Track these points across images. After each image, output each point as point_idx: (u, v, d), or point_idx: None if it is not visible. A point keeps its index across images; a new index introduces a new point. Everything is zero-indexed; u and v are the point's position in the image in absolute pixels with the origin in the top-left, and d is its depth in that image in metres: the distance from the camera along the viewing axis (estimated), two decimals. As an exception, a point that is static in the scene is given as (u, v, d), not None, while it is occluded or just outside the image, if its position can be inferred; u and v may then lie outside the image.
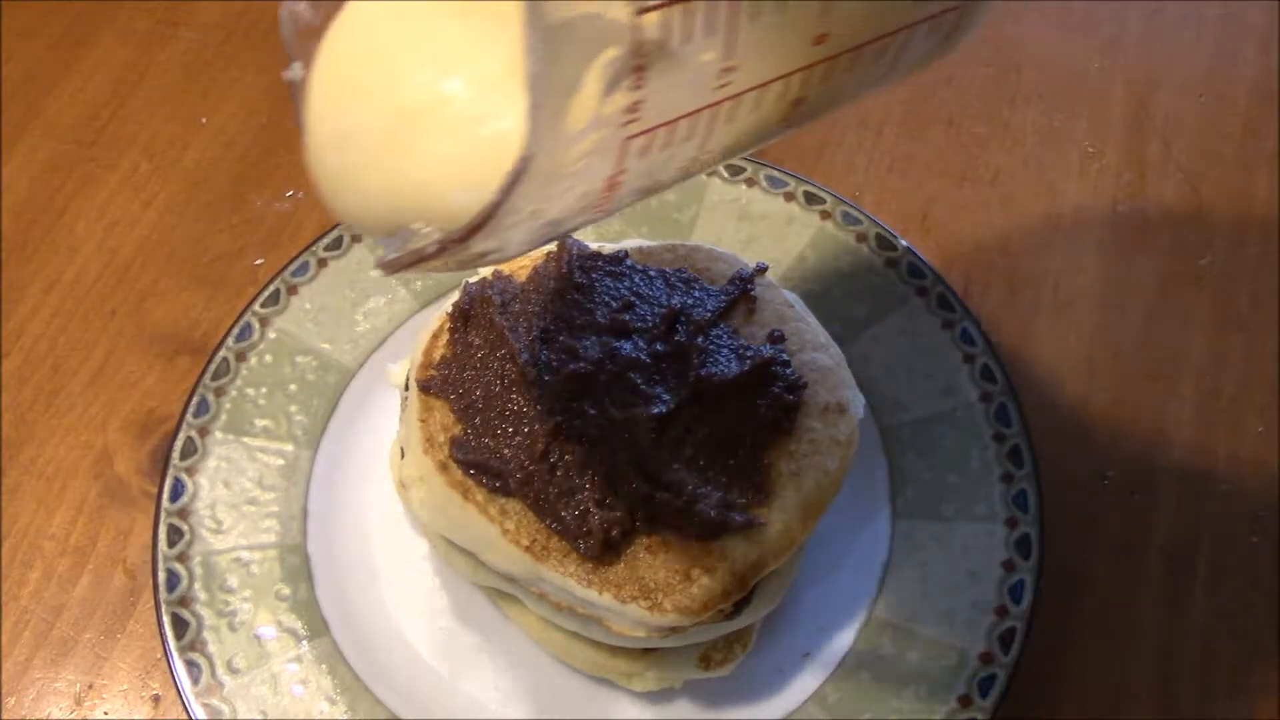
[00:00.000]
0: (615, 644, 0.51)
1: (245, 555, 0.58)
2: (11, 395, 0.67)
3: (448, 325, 0.53)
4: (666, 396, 0.48)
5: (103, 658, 0.59)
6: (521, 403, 0.49)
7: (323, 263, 0.66)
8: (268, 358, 0.63)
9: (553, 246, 0.54)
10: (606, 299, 0.52)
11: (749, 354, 0.50)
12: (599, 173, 0.29)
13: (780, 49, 0.30)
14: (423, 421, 0.51)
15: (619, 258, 0.54)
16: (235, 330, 0.63)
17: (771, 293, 0.55)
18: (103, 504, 0.64)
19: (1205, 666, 0.58)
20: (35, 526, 0.63)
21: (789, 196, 0.68)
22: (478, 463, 0.48)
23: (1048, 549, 0.56)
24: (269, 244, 0.73)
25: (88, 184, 0.76)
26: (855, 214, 0.67)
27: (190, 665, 0.54)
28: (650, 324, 0.51)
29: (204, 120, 0.79)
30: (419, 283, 0.66)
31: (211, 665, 0.54)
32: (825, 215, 0.67)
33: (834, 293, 0.65)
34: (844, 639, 0.56)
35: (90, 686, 0.58)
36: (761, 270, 0.55)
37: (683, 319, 0.51)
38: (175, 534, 0.57)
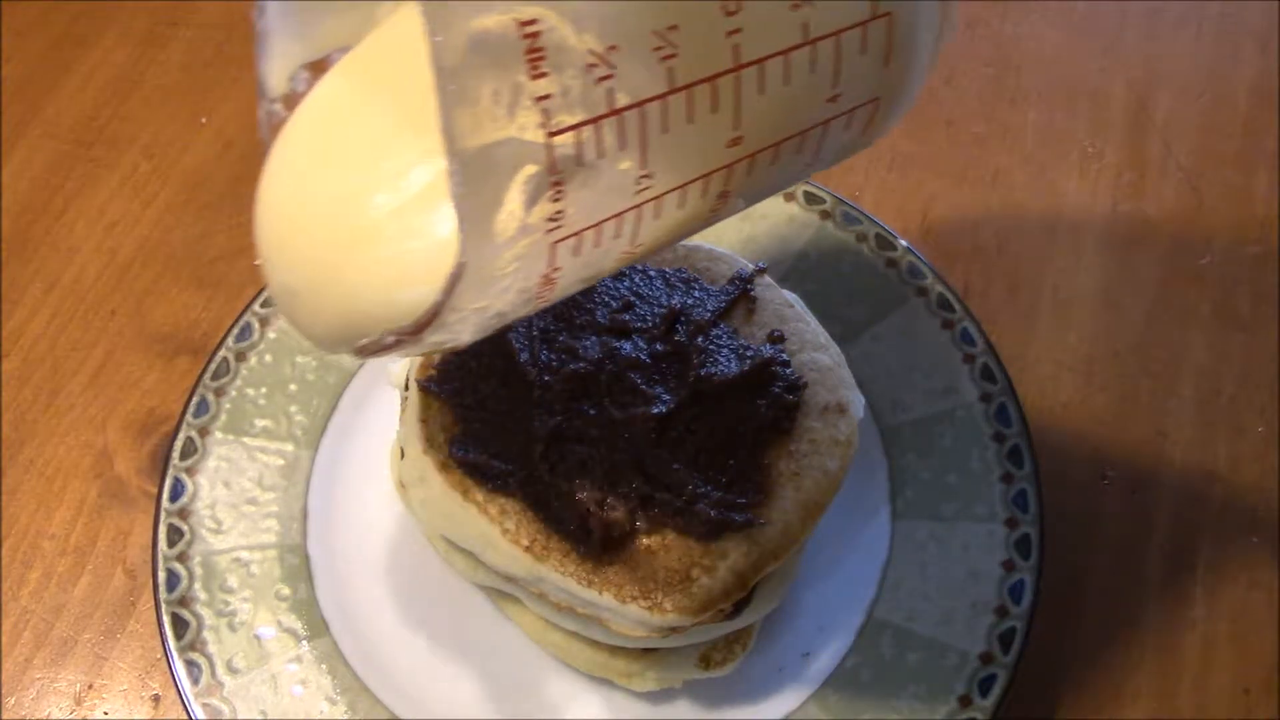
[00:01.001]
0: (615, 644, 0.51)
1: (245, 555, 0.58)
2: (11, 395, 0.67)
3: (448, 325, 0.53)
4: (666, 396, 0.48)
5: (103, 658, 0.59)
6: (521, 403, 0.49)
7: (323, 263, 0.66)
8: (268, 358, 0.63)
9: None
10: (606, 299, 0.52)
11: (749, 354, 0.50)
12: (534, 271, 0.31)
13: (695, 153, 0.32)
14: (423, 421, 0.51)
15: (619, 258, 0.54)
16: (235, 330, 0.63)
17: (771, 293, 0.55)
18: (103, 504, 0.64)
19: (1205, 666, 0.58)
20: (35, 526, 0.63)
21: (789, 196, 0.68)
22: (478, 463, 0.48)
23: (1048, 549, 0.56)
24: (269, 244, 0.73)
25: (88, 184, 0.76)
26: (855, 214, 0.67)
27: (190, 665, 0.54)
28: (650, 324, 0.51)
29: (204, 120, 0.79)
30: (419, 283, 0.66)
31: (211, 665, 0.54)
32: (825, 215, 0.67)
33: (834, 293, 0.65)
34: (844, 639, 0.56)
35: (90, 686, 0.58)
36: (761, 270, 0.55)
37: (683, 319, 0.51)
38: (175, 534, 0.57)
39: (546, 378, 0.49)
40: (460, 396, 0.50)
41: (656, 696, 0.55)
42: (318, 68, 0.39)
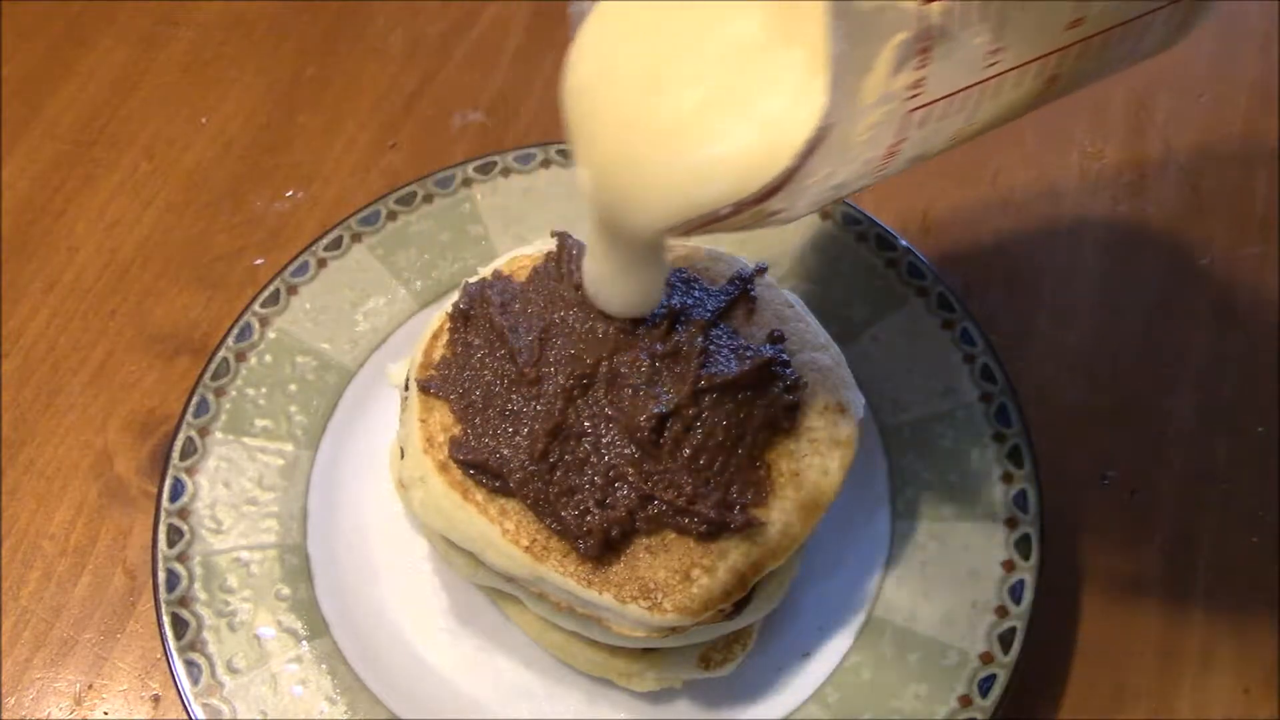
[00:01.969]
0: (615, 644, 0.51)
1: (245, 555, 0.58)
2: (11, 395, 0.67)
3: (448, 325, 0.53)
4: (667, 396, 0.48)
5: (103, 658, 0.59)
6: (521, 403, 0.49)
7: (322, 263, 0.66)
8: (268, 358, 0.63)
9: (553, 246, 0.54)
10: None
11: (749, 354, 0.50)
12: (883, 141, 0.33)
13: (1041, 33, 0.34)
14: (423, 421, 0.51)
15: (619, 258, 0.54)
16: (235, 330, 0.63)
17: (771, 293, 0.55)
18: (103, 504, 0.64)
19: (1205, 666, 0.58)
20: (35, 526, 0.63)
21: (789, 196, 0.68)
22: (478, 463, 0.48)
23: (1048, 549, 0.56)
24: (269, 244, 0.73)
25: (88, 184, 0.76)
26: (855, 214, 0.67)
27: (190, 665, 0.54)
28: (650, 324, 0.51)
29: (204, 120, 0.79)
30: (419, 283, 0.66)
31: (211, 665, 0.54)
32: (825, 215, 0.67)
33: (834, 293, 0.65)
34: (844, 639, 0.56)
35: (90, 686, 0.58)
36: (761, 270, 0.55)
37: (683, 319, 0.51)
38: (175, 534, 0.57)
39: (546, 378, 0.49)
40: (460, 397, 0.50)
41: (656, 696, 0.55)
42: None
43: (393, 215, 0.67)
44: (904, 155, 0.35)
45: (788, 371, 0.50)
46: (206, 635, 0.55)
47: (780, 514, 0.48)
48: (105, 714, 0.58)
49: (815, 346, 0.53)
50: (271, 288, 0.65)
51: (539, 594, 0.50)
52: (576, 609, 0.49)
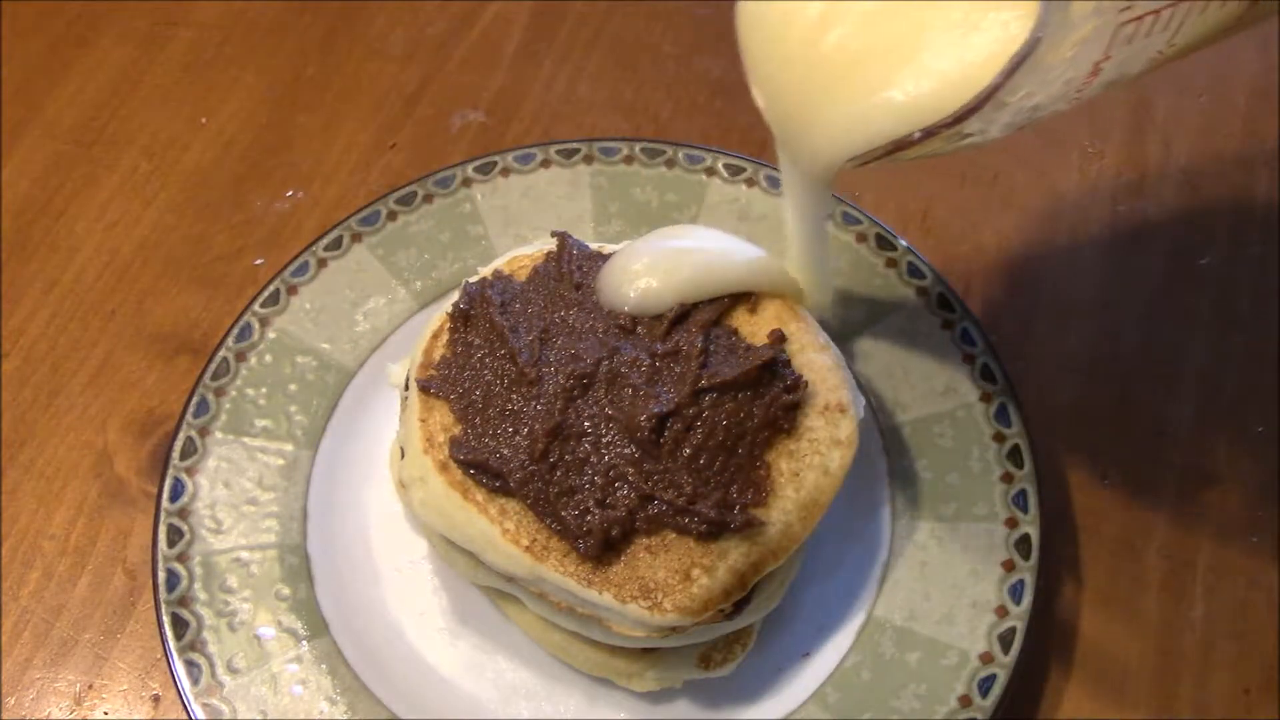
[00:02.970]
0: (615, 644, 0.51)
1: (245, 555, 0.58)
2: (11, 395, 0.67)
3: (448, 325, 0.53)
4: (667, 396, 0.48)
5: (103, 658, 0.59)
6: (521, 403, 0.49)
7: (322, 263, 0.66)
8: (268, 358, 0.63)
9: (553, 246, 0.54)
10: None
11: (749, 354, 0.50)
12: (1088, 58, 0.32)
13: None
14: (423, 421, 0.51)
15: (619, 258, 0.54)
16: (235, 330, 0.63)
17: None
18: (103, 504, 0.64)
19: (1205, 666, 0.58)
20: (35, 526, 0.63)
21: (789, 196, 0.68)
22: (478, 463, 0.48)
23: (1048, 549, 0.56)
24: (269, 244, 0.73)
25: (88, 184, 0.76)
26: (855, 214, 0.67)
27: (190, 665, 0.54)
28: (650, 324, 0.51)
29: (204, 120, 0.79)
30: (419, 283, 0.66)
31: (211, 665, 0.54)
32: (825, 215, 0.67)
33: (834, 293, 0.65)
34: (844, 639, 0.56)
35: (90, 686, 0.58)
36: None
37: (683, 319, 0.51)
38: (175, 534, 0.57)
39: (546, 378, 0.49)
40: (460, 397, 0.50)
41: (656, 696, 0.55)
42: None
43: (393, 215, 0.67)
44: (1104, 77, 0.33)
45: (788, 371, 0.50)
46: (206, 635, 0.55)
47: (780, 514, 0.48)
48: (105, 714, 0.58)
49: (815, 346, 0.53)
50: (271, 288, 0.65)
51: (539, 594, 0.50)
52: (576, 609, 0.49)
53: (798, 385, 0.50)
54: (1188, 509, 0.62)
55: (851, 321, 0.64)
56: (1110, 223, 0.73)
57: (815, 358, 0.52)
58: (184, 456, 0.60)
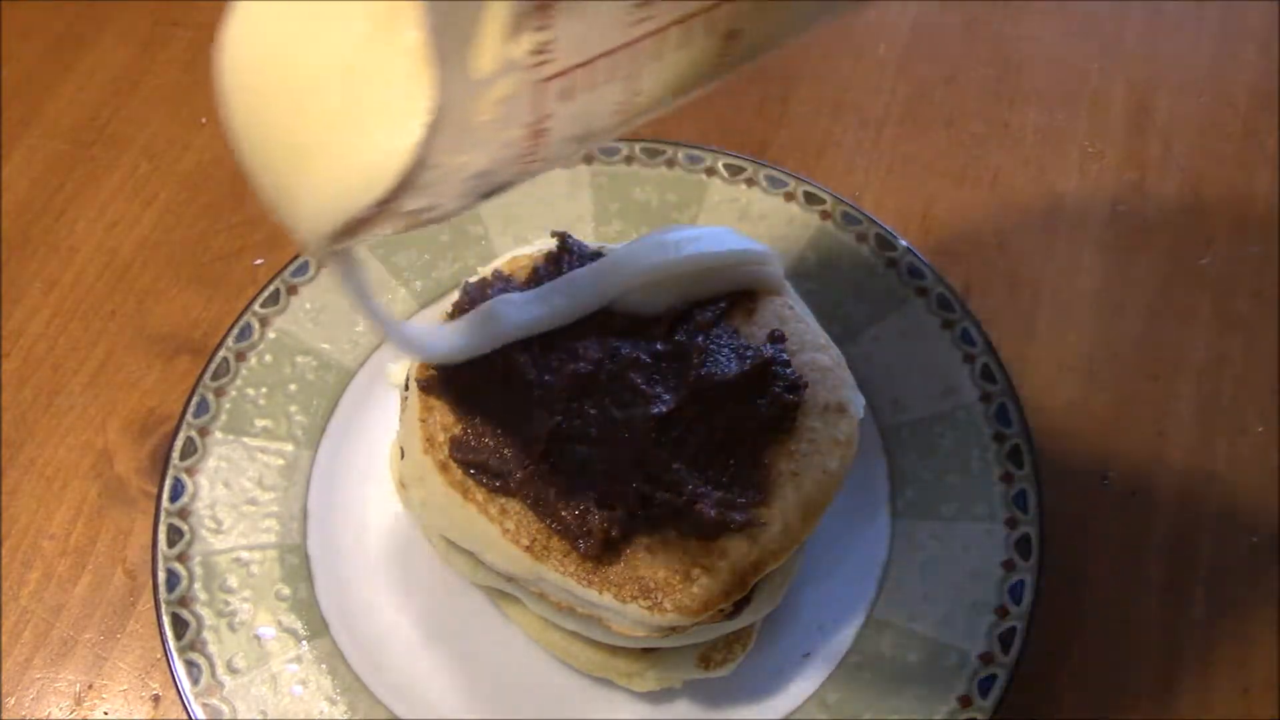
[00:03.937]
0: (615, 644, 0.51)
1: (245, 555, 0.58)
2: (11, 395, 0.67)
3: (448, 325, 0.53)
4: (666, 396, 0.48)
5: (103, 658, 0.59)
6: (521, 403, 0.49)
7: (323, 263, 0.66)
8: (268, 358, 0.63)
9: (553, 246, 0.54)
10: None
11: (749, 354, 0.50)
12: (519, 118, 0.28)
13: None
14: (423, 421, 0.51)
15: (619, 258, 0.54)
16: (235, 330, 0.63)
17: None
18: (103, 504, 0.64)
19: (1205, 666, 0.58)
20: (35, 526, 0.63)
21: (789, 196, 0.68)
22: (478, 463, 0.48)
23: (1048, 549, 0.56)
24: (269, 244, 0.73)
25: (88, 184, 0.76)
26: (855, 214, 0.67)
27: (190, 665, 0.54)
28: (651, 324, 0.51)
29: (204, 120, 0.79)
30: (419, 283, 0.66)
31: (211, 665, 0.54)
32: (825, 215, 0.67)
33: (834, 293, 0.65)
34: (844, 639, 0.56)
35: (90, 686, 0.58)
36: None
37: (683, 319, 0.51)
38: (175, 534, 0.57)
39: (546, 378, 0.49)
40: (460, 396, 0.50)
41: (656, 696, 0.55)
42: None
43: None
44: (558, 134, 0.29)
45: (788, 371, 0.50)
46: (206, 635, 0.55)
47: (780, 514, 0.48)
48: (105, 714, 0.58)
49: (815, 346, 0.53)
50: (271, 288, 0.65)
51: (539, 594, 0.50)
52: (576, 609, 0.49)
53: (798, 385, 0.50)
54: (1188, 509, 0.62)
55: (851, 321, 0.64)
56: (1110, 223, 0.73)
57: (815, 357, 0.52)
58: (184, 456, 0.60)
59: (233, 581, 0.57)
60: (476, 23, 0.25)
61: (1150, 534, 0.62)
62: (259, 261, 0.72)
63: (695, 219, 0.68)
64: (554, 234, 0.55)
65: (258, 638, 0.55)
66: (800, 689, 0.55)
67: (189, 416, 0.61)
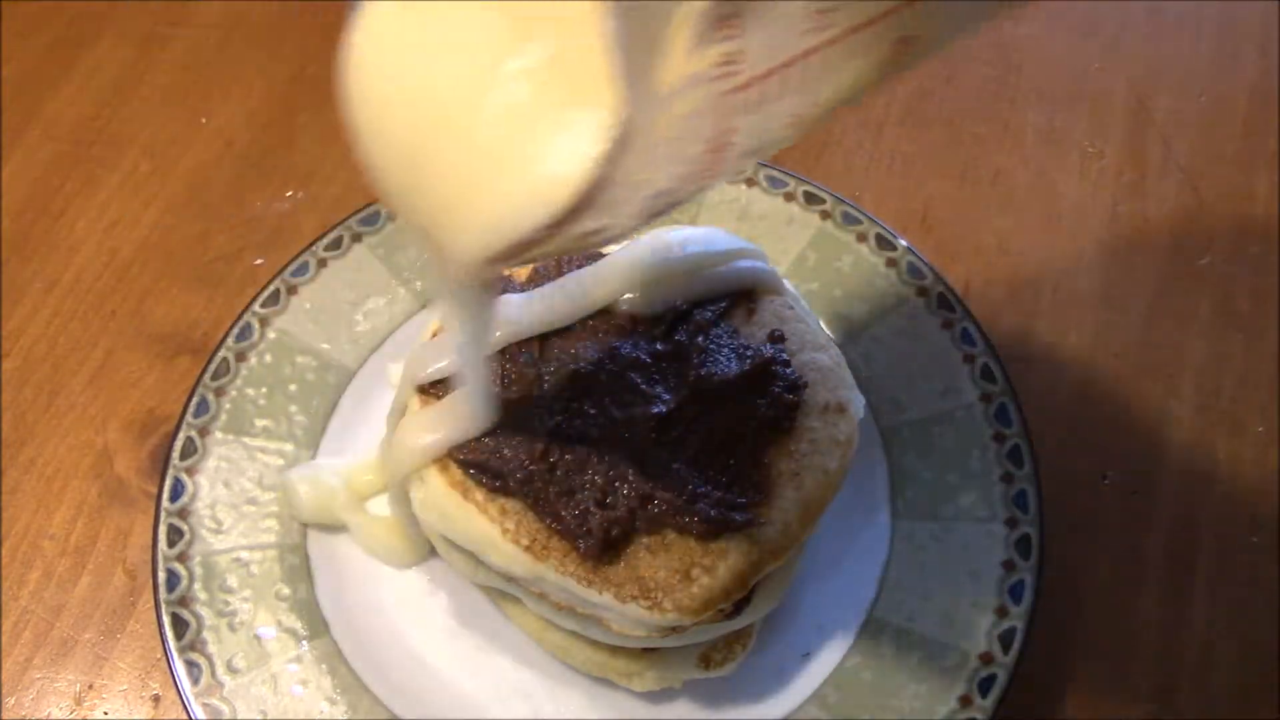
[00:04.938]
0: (615, 644, 0.51)
1: (245, 555, 0.58)
2: (11, 395, 0.67)
3: (448, 325, 0.53)
4: (666, 396, 0.48)
5: (103, 658, 0.59)
6: (521, 402, 0.49)
7: (323, 263, 0.66)
8: (268, 358, 0.63)
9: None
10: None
11: (749, 354, 0.50)
12: (700, 134, 0.28)
13: None
14: (423, 421, 0.51)
15: (619, 258, 0.54)
16: (235, 330, 0.63)
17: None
18: (103, 504, 0.64)
19: (1205, 666, 0.58)
20: (35, 526, 0.63)
21: (789, 196, 0.68)
22: (478, 463, 0.48)
23: (1048, 549, 0.56)
24: (269, 244, 0.73)
25: (88, 184, 0.76)
26: (855, 214, 0.67)
27: (190, 665, 0.54)
28: (651, 324, 0.51)
29: (204, 120, 0.79)
30: (419, 283, 0.66)
31: (211, 665, 0.54)
32: (825, 215, 0.67)
33: (834, 293, 0.65)
34: (844, 639, 0.56)
35: (90, 686, 0.58)
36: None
37: (683, 319, 0.51)
38: (175, 534, 0.57)
39: (546, 378, 0.49)
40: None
41: (656, 696, 0.55)
42: None
43: (393, 215, 0.67)
44: (738, 148, 0.29)
45: (788, 371, 0.50)
46: (206, 635, 0.55)
47: (780, 514, 0.48)
48: (105, 714, 0.58)
49: (815, 346, 0.53)
50: (271, 288, 0.65)
51: (539, 594, 0.50)
52: (576, 609, 0.49)
53: (797, 385, 0.50)
54: (1188, 509, 0.62)
55: (852, 321, 0.64)
56: (1110, 223, 0.73)
57: (815, 357, 0.52)
58: (184, 456, 0.60)
59: (233, 581, 0.57)
60: (663, 33, 0.25)
61: (1150, 534, 0.62)
62: (259, 261, 0.72)
63: (695, 219, 0.68)
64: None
65: (258, 638, 0.55)
66: (800, 689, 0.55)
67: (189, 416, 0.61)
